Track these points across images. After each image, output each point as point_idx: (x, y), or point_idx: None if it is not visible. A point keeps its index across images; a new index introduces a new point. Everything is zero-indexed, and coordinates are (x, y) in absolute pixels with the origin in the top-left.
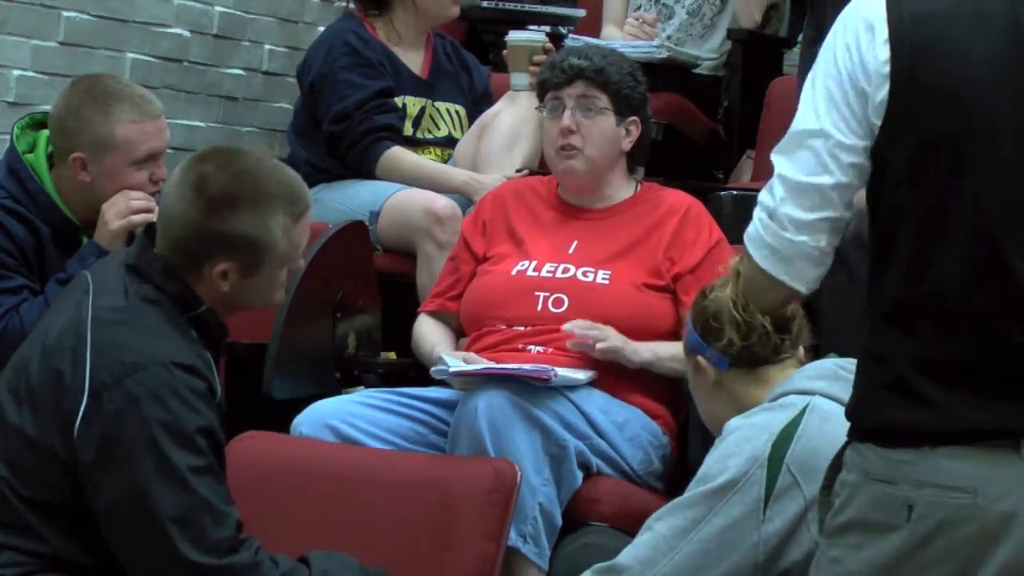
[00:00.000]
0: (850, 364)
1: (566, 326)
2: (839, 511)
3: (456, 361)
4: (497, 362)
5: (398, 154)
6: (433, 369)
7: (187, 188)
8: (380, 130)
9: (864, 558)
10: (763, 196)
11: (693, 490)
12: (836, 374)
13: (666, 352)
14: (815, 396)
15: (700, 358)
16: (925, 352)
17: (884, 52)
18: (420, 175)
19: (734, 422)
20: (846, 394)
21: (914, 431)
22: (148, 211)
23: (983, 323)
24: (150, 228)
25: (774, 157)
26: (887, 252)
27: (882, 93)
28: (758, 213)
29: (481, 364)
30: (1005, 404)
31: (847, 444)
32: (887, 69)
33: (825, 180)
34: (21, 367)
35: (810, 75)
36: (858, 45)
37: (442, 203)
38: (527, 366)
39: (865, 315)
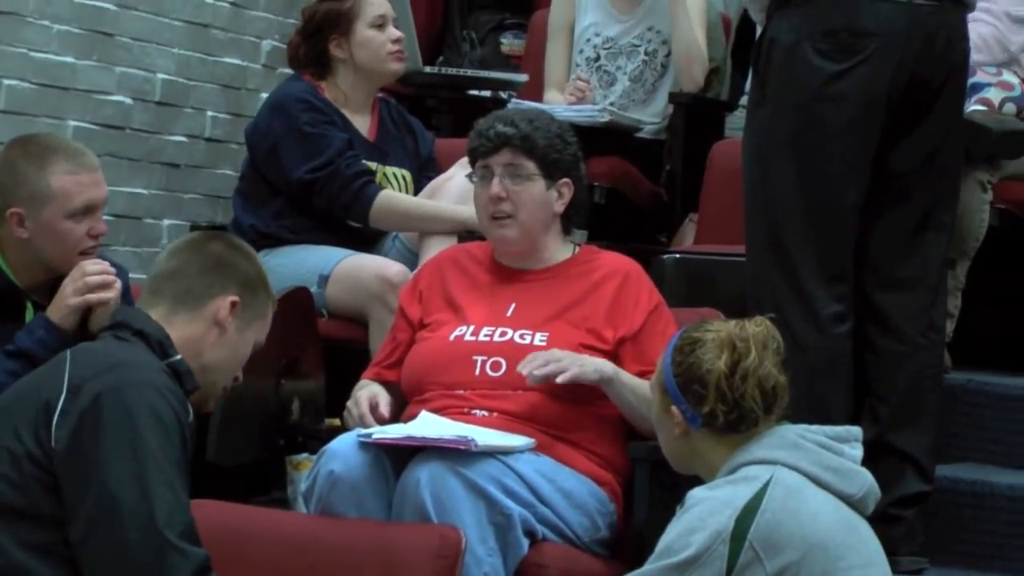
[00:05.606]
0: (810, 432)
1: (521, 367)
2: None
3: (379, 426)
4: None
5: (393, 195)
6: (358, 433)
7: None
8: (367, 174)
9: None
10: None
11: (655, 563)
12: (796, 443)
13: (628, 379)
14: (777, 467)
15: (674, 407)
16: None
17: None
18: (419, 215)
19: (698, 493)
20: (807, 463)
21: None
22: (106, 286)
23: None
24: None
25: None
26: None
27: None
28: None
29: (402, 432)
30: None
31: None
32: None
33: None
34: None
35: None
36: None
37: (394, 269)
38: (447, 435)
39: None
